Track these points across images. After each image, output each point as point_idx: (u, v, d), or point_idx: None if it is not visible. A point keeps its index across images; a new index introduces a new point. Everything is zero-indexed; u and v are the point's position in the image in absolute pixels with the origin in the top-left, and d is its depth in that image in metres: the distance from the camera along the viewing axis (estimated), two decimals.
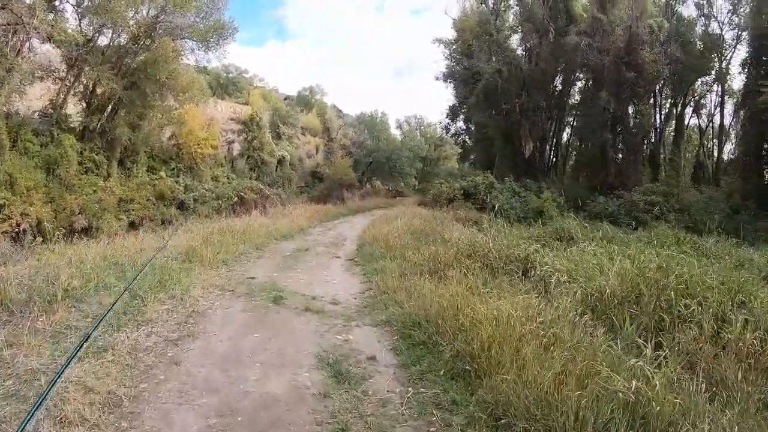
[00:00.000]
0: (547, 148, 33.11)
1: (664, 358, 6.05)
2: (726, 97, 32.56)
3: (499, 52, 30.04)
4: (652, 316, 7.71)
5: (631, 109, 28.10)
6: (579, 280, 9.36)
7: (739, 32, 30.33)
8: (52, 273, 8.57)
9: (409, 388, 5.87)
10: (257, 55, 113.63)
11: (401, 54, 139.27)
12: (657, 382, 5.18)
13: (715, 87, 33.41)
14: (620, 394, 5.07)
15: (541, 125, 31.22)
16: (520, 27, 31.47)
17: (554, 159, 34.19)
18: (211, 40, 23.91)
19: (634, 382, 5.10)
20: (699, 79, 33.01)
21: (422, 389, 5.87)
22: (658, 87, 29.88)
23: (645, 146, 28.93)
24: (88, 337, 6.09)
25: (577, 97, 32.64)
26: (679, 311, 7.74)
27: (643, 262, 9.45)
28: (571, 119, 33.72)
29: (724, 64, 31.64)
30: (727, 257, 13.82)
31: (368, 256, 14.31)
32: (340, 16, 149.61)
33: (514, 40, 33.07)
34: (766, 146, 25.68)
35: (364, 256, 14.50)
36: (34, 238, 16.12)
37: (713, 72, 32.05)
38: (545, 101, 30.92)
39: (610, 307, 8.15)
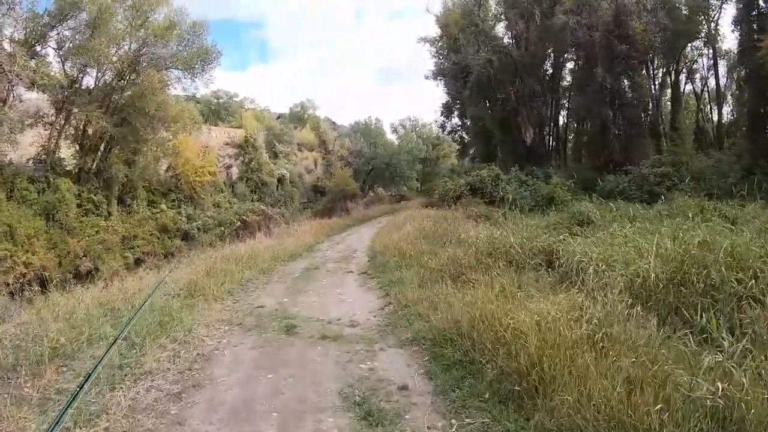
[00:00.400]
0: (546, 133, 32.12)
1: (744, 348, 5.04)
2: (718, 59, 31.59)
3: (487, 42, 29.11)
4: (701, 297, 6.69)
5: (626, 83, 27.02)
6: (616, 267, 8.35)
7: None
8: (41, 329, 7.65)
9: (453, 420, 4.98)
10: (243, 80, 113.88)
11: (385, 58, 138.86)
12: (743, 380, 4.21)
13: (705, 50, 32.49)
14: (707, 401, 4.10)
15: (538, 111, 30.31)
16: (504, 14, 30.50)
17: (554, 143, 33.17)
18: (196, 66, 24.08)
19: (718, 384, 4.13)
20: (689, 44, 32.04)
21: (468, 420, 4.97)
22: (649, 57, 28.78)
23: (646, 118, 27.87)
24: (69, 404, 5.14)
25: (570, 79, 31.62)
26: (733, 288, 6.71)
27: (683, 238, 8.44)
28: (567, 101, 32.70)
29: (712, 26, 30.64)
30: (756, 221, 12.78)
31: (382, 266, 13.39)
32: (320, 28, 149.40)
33: (500, 28, 32.27)
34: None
35: (377, 268, 13.58)
36: (42, 286, 15.62)
37: (703, 35, 31.00)
38: (539, 86, 29.99)
39: (656, 293, 7.16)
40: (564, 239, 10.65)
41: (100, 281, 15.27)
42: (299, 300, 10.53)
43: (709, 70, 33.24)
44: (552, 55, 30.39)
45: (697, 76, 34.20)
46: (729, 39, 29.84)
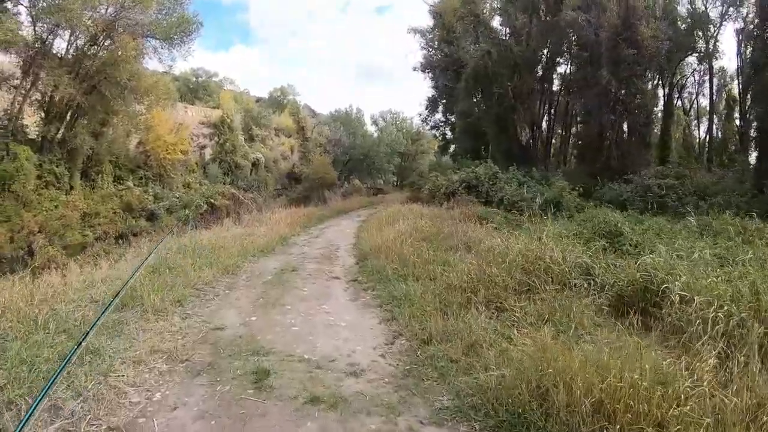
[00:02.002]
0: (543, 133, 29.43)
1: None
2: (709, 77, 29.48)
3: (486, 33, 26.29)
4: None
5: (630, 89, 24.47)
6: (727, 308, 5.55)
7: (726, 8, 27.12)
8: None
9: None
10: (225, 60, 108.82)
11: (367, 54, 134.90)
12: None
13: (697, 66, 30.40)
14: None
15: (536, 110, 27.68)
16: (502, 8, 27.57)
17: (549, 145, 30.52)
18: (175, 37, 21.70)
19: None
20: (686, 58, 29.80)
21: None
22: (655, 65, 26.30)
23: (646, 128, 25.38)
24: None
25: (565, 80, 28.86)
26: None
27: None
28: (567, 102, 30.07)
29: (711, 42, 28.43)
30: None
31: (377, 274, 10.31)
32: (305, 17, 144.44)
33: (496, 23, 29.32)
34: None
35: (370, 275, 10.51)
36: None
37: (701, 50, 28.75)
38: (539, 84, 27.33)
39: None
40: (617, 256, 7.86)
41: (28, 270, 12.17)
42: (273, 319, 7.42)
43: (700, 85, 31.35)
44: (554, 53, 27.66)
45: (688, 91, 32.25)
46: (725, 56, 27.94)
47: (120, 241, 18.85)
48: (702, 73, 30.58)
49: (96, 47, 19.77)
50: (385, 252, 11.70)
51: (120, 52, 19.39)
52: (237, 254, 12.09)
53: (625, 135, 25.08)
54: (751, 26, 24.08)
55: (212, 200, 23.47)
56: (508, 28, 26.65)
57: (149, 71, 22.15)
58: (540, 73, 27.80)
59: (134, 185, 23.49)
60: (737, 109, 29.65)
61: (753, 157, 26.91)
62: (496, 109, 25.55)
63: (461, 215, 16.50)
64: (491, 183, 20.19)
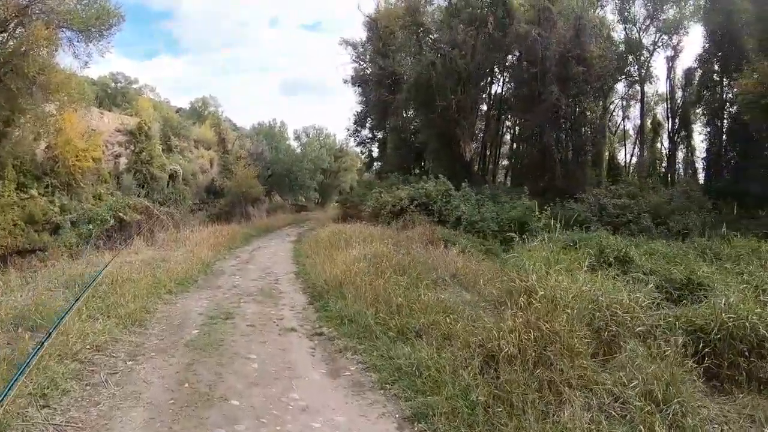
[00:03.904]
0: (486, 150, 27.16)
1: None
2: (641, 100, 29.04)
3: (431, 44, 23.77)
4: None
5: (577, 108, 22.93)
6: None
7: (659, 36, 26.69)
8: None
9: None
10: (146, 69, 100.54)
11: (293, 69, 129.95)
12: None
13: (626, 90, 29.98)
14: None
15: (480, 125, 25.48)
16: (450, 20, 25.13)
17: (491, 163, 28.31)
18: (93, 29, 18.70)
19: None
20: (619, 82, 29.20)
21: None
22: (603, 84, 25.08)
23: (595, 146, 23.90)
24: None
25: (516, 95, 26.84)
26: None
27: None
28: (510, 119, 28.17)
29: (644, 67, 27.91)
30: None
31: (349, 323, 7.04)
32: (235, 27, 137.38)
33: (440, 34, 26.88)
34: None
35: (339, 324, 7.18)
36: None
37: (633, 74, 28.18)
38: (485, 99, 25.25)
39: None
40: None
41: None
42: None
43: (626, 109, 31.01)
44: (495, 68, 25.65)
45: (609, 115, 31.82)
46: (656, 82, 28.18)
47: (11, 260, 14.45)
48: (628, 98, 30.26)
49: (5, 34, 16.93)
50: (351, 288, 8.36)
51: (30, 40, 16.33)
52: (147, 291, 8.27)
53: (570, 154, 23.36)
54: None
55: (121, 214, 18.98)
56: (449, 43, 24.19)
57: (61, 67, 18.50)
58: (485, 88, 25.71)
59: (39, 194, 19.68)
60: (663, 132, 29.67)
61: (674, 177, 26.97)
62: (439, 123, 22.93)
63: (421, 237, 13.47)
64: (444, 201, 17.35)
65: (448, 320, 6.31)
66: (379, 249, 11.18)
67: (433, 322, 6.37)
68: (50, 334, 5.19)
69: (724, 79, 22.65)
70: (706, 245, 13.16)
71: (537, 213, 15.34)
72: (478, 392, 4.60)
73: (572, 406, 4.41)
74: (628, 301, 6.18)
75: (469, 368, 5.06)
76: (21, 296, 6.82)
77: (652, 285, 7.49)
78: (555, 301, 6.00)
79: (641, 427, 4.19)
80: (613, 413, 4.42)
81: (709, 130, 23.65)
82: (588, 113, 22.56)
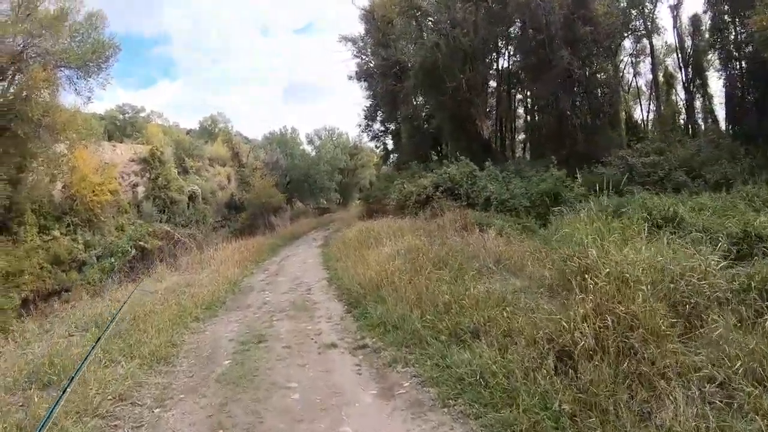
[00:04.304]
0: (502, 126, 26.06)
1: None
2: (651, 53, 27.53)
3: (432, 26, 22.77)
4: None
5: (589, 69, 21.68)
6: None
7: None
8: None
9: None
10: (151, 96, 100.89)
11: (293, 74, 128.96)
12: None
13: (634, 45, 28.45)
14: None
15: (492, 102, 24.41)
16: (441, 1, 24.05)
17: (508, 139, 27.18)
18: (91, 64, 19.03)
19: None
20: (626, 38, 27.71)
21: None
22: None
23: (613, 107, 22.63)
24: None
25: (524, 65, 25.59)
26: None
27: None
28: (521, 91, 26.96)
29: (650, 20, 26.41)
30: None
31: (394, 330, 6.30)
32: (226, 42, 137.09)
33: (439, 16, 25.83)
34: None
35: (383, 333, 6.45)
36: None
37: (640, 28, 26.71)
38: (493, 75, 24.15)
39: None
40: None
41: None
42: None
43: (635, 65, 29.41)
44: (499, 41, 24.51)
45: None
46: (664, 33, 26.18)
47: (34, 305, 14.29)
48: (636, 53, 28.73)
49: (4, 82, 17.33)
50: (389, 289, 7.60)
51: (29, 84, 16.75)
52: (172, 321, 7.60)
53: (588, 118, 22.15)
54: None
55: (142, 243, 18.51)
56: (449, 22, 23.13)
57: (65, 106, 18.98)
58: (492, 64, 24.64)
59: (61, 234, 20.08)
60: (677, 84, 28.16)
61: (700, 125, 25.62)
62: (451, 105, 21.94)
63: (453, 224, 12.61)
64: (470, 183, 16.43)
65: (505, 314, 5.51)
66: (412, 242, 10.41)
67: (488, 318, 5.56)
68: (65, 390, 4.55)
69: (736, 20, 21.28)
70: (753, 193, 12.14)
71: (569, 182, 14.38)
72: (560, 399, 3.81)
73: (673, 402, 3.59)
74: (703, 267, 5.33)
75: (543, 369, 4.27)
76: (38, 347, 6.20)
77: (723, 243, 6.54)
78: (622, 278, 5.17)
79: (757, 416, 3.40)
80: (717, 401, 3.65)
81: (726, 74, 22.15)
82: (600, 74, 21.31)
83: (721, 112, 24.14)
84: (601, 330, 4.46)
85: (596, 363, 4.16)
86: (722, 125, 24.00)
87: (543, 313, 5.30)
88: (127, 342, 6.47)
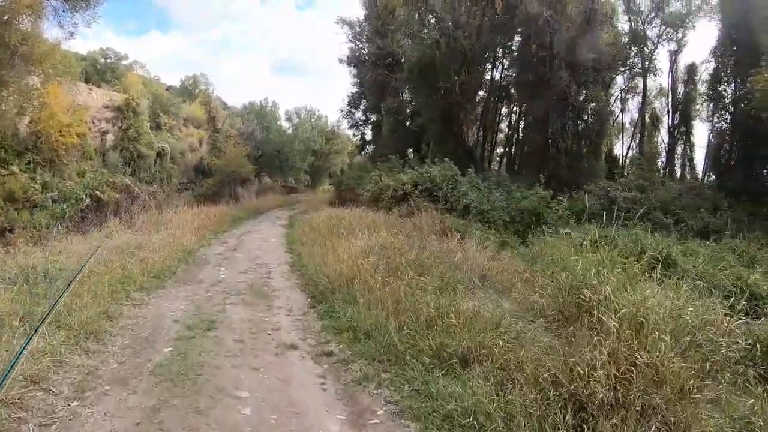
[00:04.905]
0: (488, 135, 25.42)
1: None
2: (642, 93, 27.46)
3: (435, 23, 21.87)
4: None
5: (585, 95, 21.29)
6: None
7: (664, 29, 25.05)
8: None
9: None
10: (138, 45, 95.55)
11: (286, 46, 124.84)
12: None
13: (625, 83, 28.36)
14: None
15: (484, 108, 23.76)
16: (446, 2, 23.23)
17: (489, 149, 26.58)
18: None
19: None
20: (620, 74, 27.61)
21: None
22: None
23: (601, 137, 22.33)
24: None
25: (521, 80, 25.02)
26: None
27: None
28: (508, 105, 26.43)
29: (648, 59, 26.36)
30: None
31: (366, 338, 5.40)
32: (225, 6, 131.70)
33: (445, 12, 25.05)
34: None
35: (351, 339, 5.53)
36: None
37: (636, 66, 26.61)
38: (486, 83, 23.49)
39: None
40: None
41: None
42: None
43: (623, 102, 29.35)
44: (500, 51, 23.86)
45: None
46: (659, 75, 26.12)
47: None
48: (627, 90, 28.68)
49: None
50: (362, 289, 6.67)
51: (12, 6, 14.92)
52: (112, 288, 6.46)
53: (575, 144, 21.77)
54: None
55: (98, 192, 16.86)
56: (452, 23, 22.32)
57: (46, 38, 16.93)
58: (487, 72, 24.04)
59: (20, 170, 18.16)
60: (661, 126, 28.34)
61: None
62: (442, 106, 21.14)
63: (431, 227, 11.79)
64: (450, 187, 15.62)
65: (500, 342, 4.69)
66: (387, 239, 9.47)
67: (480, 344, 4.72)
68: None
69: (738, 76, 21.28)
70: (742, 248, 11.78)
71: (553, 204, 13.81)
72: None
73: None
74: (721, 321, 4.83)
75: (553, 421, 3.47)
76: None
77: (737, 298, 5.95)
78: (638, 322, 4.48)
79: None
80: None
81: (713, 126, 22.31)
82: (595, 102, 20.96)
83: (699, 163, 24.34)
84: (621, 382, 3.71)
85: (613, 419, 3.41)
86: (698, 175, 24.25)
87: (543, 348, 4.53)
88: (57, 307, 5.33)
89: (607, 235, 9.60)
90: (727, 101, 21.50)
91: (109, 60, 39.31)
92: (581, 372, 3.85)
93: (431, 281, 6.62)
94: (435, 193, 15.56)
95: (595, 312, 4.88)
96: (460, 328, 5.07)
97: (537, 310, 6.27)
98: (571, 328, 4.89)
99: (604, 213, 16.48)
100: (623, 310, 4.64)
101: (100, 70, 37.24)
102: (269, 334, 5.70)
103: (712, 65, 22.22)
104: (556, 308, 6.00)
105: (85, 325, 5.11)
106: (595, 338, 4.22)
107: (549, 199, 14.20)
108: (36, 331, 4.34)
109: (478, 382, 4.10)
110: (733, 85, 21.53)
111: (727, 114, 21.58)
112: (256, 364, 4.78)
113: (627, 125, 30.52)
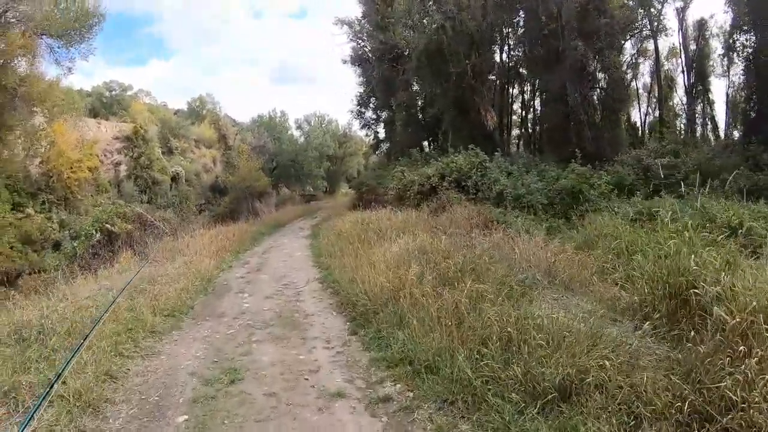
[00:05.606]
0: (506, 117, 24.07)
1: None
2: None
3: (437, 7, 20.57)
4: None
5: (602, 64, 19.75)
6: None
7: None
8: None
9: None
10: (141, 75, 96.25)
11: (286, 56, 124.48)
12: None
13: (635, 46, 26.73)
14: None
15: (499, 90, 22.43)
16: None
17: (506, 132, 25.17)
18: (74, 33, 17.30)
19: None
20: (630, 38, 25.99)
21: None
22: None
23: (623, 104, 20.85)
24: None
25: (532, 56, 23.54)
26: None
27: None
28: (520, 84, 24.99)
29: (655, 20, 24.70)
30: None
31: (427, 372, 4.25)
32: (218, 24, 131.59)
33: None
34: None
35: (406, 370, 4.46)
36: None
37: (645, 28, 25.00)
38: (497, 64, 22.16)
39: None
40: None
41: None
42: None
43: (634, 67, 27.67)
44: (514, 27, 22.57)
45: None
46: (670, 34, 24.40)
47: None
48: (638, 54, 27.02)
49: None
50: (411, 305, 5.50)
51: (6, 50, 15.39)
52: (116, 339, 5.35)
53: (597, 115, 20.27)
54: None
55: (108, 225, 15.95)
56: (455, 6, 21.00)
57: (45, 76, 17.43)
58: (497, 52, 22.70)
59: (35, 212, 18.77)
60: (677, 87, 26.89)
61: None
62: (455, 92, 19.83)
63: (468, 221, 10.56)
64: (480, 174, 14.33)
65: (607, 363, 3.47)
66: (426, 241, 8.25)
67: (580, 367, 3.51)
68: None
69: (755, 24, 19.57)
70: None
71: (594, 181, 12.49)
72: None
73: None
74: None
75: None
76: None
77: None
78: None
79: None
80: None
81: (730, 80, 20.83)
82: (613, 69, 19.45)
83: (722, 119, 22.78)
84: None
85: None
86: (721, 133, 22.73)
87: (662, 364, 3.35)
88: (48, 370, 4.28)
89: (659, 208, 8.28)
90: (748, 51, 19.74)
91: (114, 92, 39.35)
92: (733, 398, 2.68)
93: (492, 287, 5.41)
94: (464, 183, 14.28)
95: (714, 308, 3.65)
96: (546, 349, 3.86)
97: (622, 309, 5.07)
98: (677, 331, 3.71)
99: (642, 183, 15.29)
100: (753, 303, 3.41)
101: (106, 104, 37.46)
102: (307, 378, 4.53)
103: (729, 16, 20.50)
104: (649, 305, 4.78)
105: (82, 394, 4.02)
106: (740, 347, 3.01)
107: (587, 175, 12.86)
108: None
109: (595, 424, 2.92)
110: (752, 34, 19.82)
111: (749, 65, 19.78)
112: (297, 428, 3.64)
113: (641, 90, 29.27)
